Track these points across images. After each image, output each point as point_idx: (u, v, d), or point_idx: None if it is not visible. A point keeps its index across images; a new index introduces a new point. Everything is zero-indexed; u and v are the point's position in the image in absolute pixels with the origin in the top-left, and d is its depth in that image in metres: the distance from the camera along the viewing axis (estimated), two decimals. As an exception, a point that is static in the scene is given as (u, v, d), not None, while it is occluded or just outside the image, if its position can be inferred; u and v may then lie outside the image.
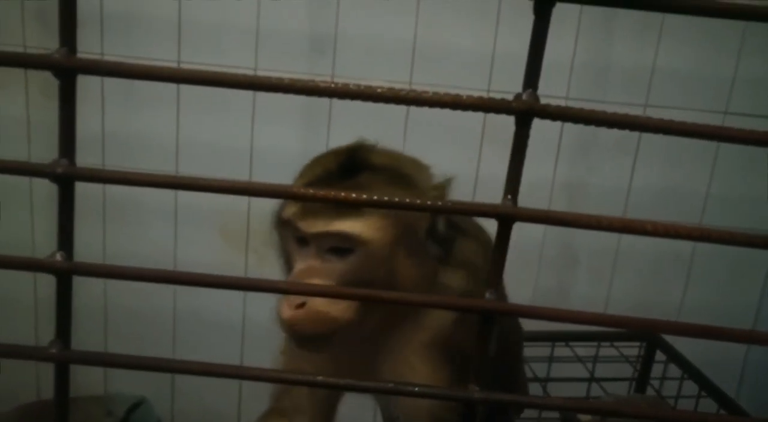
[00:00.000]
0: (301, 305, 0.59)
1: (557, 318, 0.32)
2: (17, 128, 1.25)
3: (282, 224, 0.64)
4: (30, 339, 1.34)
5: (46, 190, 1.27)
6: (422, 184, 0.64)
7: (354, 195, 0.30)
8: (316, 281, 0.60)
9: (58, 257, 0.32)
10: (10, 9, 1.20)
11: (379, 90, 0.30)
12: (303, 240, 0.63)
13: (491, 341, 0.33)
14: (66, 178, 0.30)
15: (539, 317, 0.32)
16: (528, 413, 1.10)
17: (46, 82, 1.23)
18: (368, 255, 0.60)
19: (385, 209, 0.59)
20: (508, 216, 0.31)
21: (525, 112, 0.30)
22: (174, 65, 1.23)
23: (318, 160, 0.67)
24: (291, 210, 0.62)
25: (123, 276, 0.32)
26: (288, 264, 0.67)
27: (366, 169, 0.63)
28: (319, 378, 0.34)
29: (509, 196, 0.31)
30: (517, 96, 0.30)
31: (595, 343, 1.25)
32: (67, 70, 0.29)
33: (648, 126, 0.32)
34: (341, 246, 0.61)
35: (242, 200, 1.28)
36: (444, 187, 0.64)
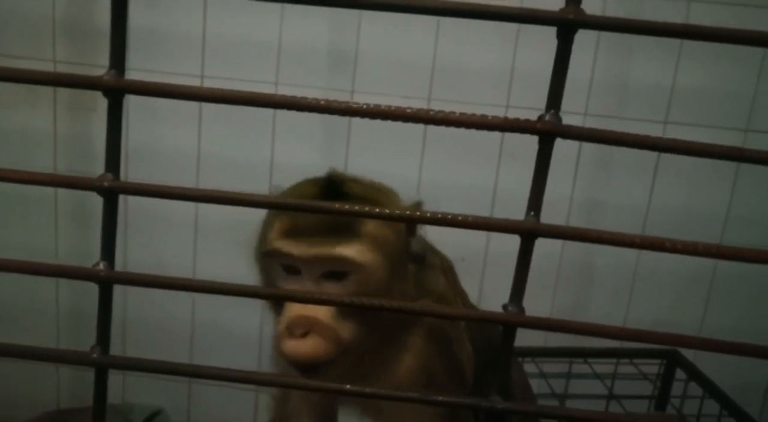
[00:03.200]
0: (304, 334, 0.59)
1: (578, 330, 0.33)
2: (44, 141, 1.29)
3: (268, 255, 0.64)
4: (52, 346, 1.37)
5: (70, 196, 1.31)
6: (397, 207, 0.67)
7: (388, 211, 0.31)
8: (316, 307, 0.60)
9: (101, 266, 0.34)
10: (41, 24, 1.24)
11: (408, 110, 0.31)
12: (292, 269, 0.63)
13: (512, 353, 0.33)
14: (111, 191, 0.32)
15: (560, 330, 0.33)
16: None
17: (72, 97, 1.27)
18: (364, 278, 0.61)
19: (373, 234, 0.62)
20: (531, 233, 0.32)
21: (548, 133, 0.31)
22: (198, 79, 1.26)
23: (297, 188, 0.68)
24: (278, 239, 0.63)
25: (161, 286, 0.34)
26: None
27: (345, 196, 0.64)
28: (347, 386, 0.35)
29: (532, 213, 0.32)
30: (541, 117, 0.31)
31: (614, 360, 1.24)
32: (115, 91, 0.31)
33: (671, 147, 0.33)
34: (337, 269, 0.61)
35: (262, 212, 1.30)
36: (415, 209, 0.67)
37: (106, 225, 0.33)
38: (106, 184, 0.32)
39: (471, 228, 0.31)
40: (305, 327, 0.59)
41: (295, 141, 1.27)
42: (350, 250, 0.61)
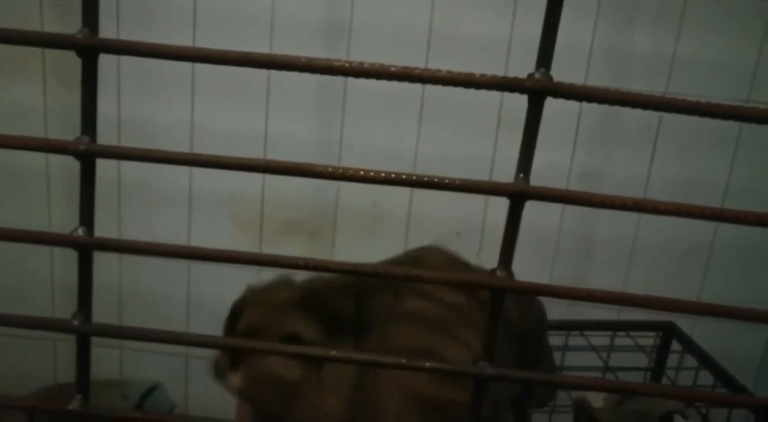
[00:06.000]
0: None
1: (567, 295, 0.32)
2: (35, 117, 1.27)
3: None
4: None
5: (63, 172, 1.30)
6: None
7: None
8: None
9: (80, 232, 0.33)
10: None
11: (392, 68, 0.30)
12: None
13: (501, 319, 0.33)
14: (88, 154, 0.31)
15: (547, 294, 0.32)
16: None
17: (64, 72, 1.25)
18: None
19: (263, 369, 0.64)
20: (519, 195, 0.31)
21: (538, 91, 0.30)
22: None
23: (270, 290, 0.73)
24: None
25: (141, 251, 0.33)
26: None
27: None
28: (334, 352, 0.35)
29: (521, 175, 0.32)
30: (530, 75, 0.30)
31: (610, 333, 1.24)
32: (89, 49, 0.30)
33: (664, 105, 0.32)
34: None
35: (256, 186, 1.29)
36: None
37: (85, 191, 0.32)
38: (82, 146, 0.31)
39: (458, 190, 0.30)
40: None
41: (290, 112, 1.26)
42: (235, 380, 0.67)
